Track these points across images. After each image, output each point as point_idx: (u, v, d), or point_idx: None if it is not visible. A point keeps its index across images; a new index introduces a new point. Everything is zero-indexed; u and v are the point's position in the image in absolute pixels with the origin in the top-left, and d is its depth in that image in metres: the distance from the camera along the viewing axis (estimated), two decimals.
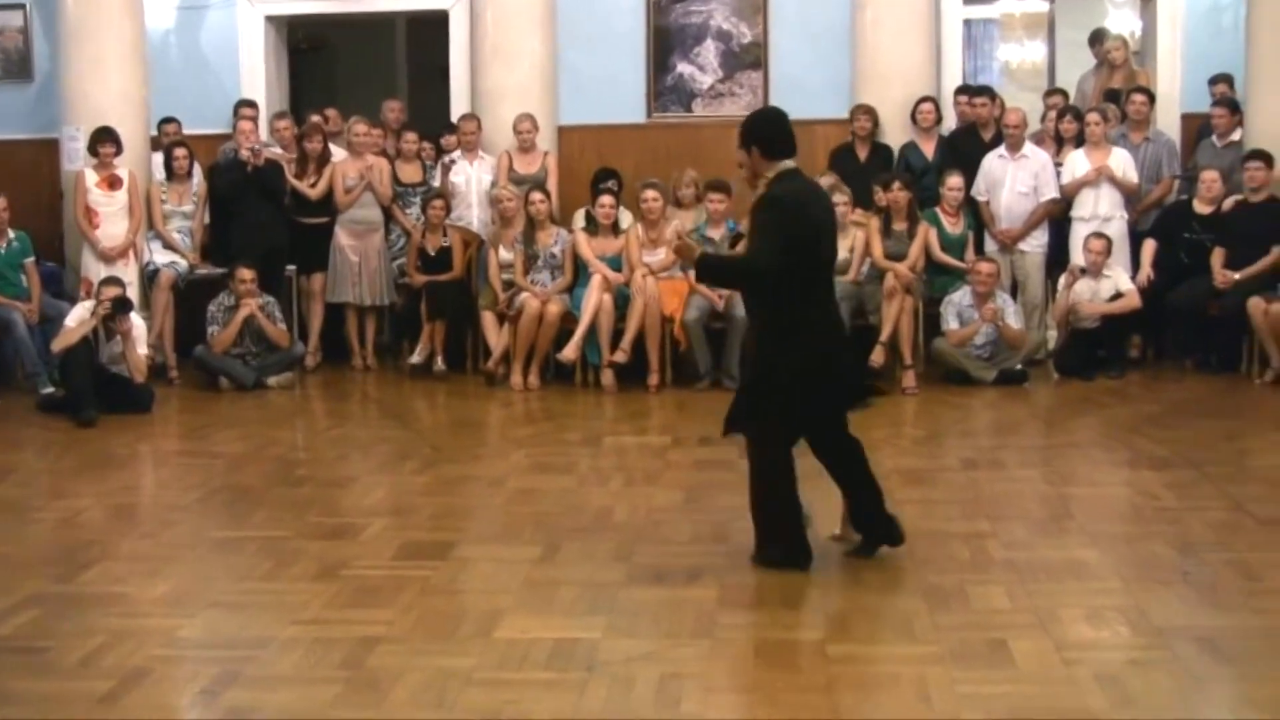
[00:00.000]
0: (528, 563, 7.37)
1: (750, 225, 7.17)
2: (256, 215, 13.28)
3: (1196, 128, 14.22)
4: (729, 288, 7.30)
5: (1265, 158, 12.73)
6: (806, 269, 7.03)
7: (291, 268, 13.58)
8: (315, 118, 14.48)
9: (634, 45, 15.12)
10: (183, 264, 13.43)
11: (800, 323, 7.04)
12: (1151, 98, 13.87)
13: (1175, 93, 14.74)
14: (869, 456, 7.38)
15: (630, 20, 15.10)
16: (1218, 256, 12.73)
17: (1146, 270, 12.98)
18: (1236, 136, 13.48)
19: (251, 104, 14.47)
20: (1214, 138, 13.60)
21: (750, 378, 7.29)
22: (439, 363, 13.14)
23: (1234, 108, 13.53)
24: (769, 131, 7.22)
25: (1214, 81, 14.03)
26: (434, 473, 9.61)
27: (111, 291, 11.87)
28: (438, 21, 15.46)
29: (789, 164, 7.14)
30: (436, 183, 13.96)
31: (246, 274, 12.67)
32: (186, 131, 14.35)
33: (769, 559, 7.16)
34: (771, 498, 7.17)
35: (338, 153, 13.88)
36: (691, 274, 11.57)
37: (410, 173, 14.01)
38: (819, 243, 7.12)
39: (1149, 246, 13.12)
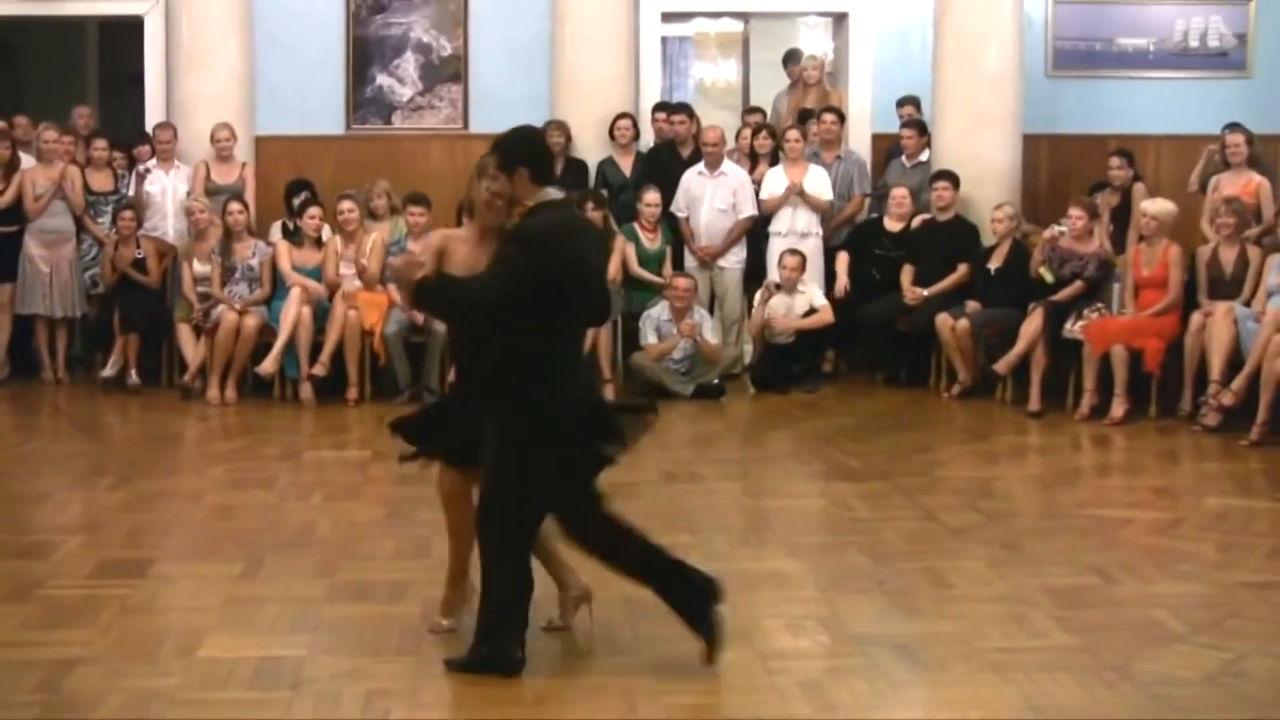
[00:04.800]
0: (229, 580, 7.27)
1: (493, 256, 6.10)
2: None
3: (887, 148, 14.60)
4: (441, 315, 6.66)
5: (951, 178, 13.10)
6: (558, 311, 6.00)
7: None
8: (1, 124, 14.01)
9: (333, 56, 14.97)
10: None
11: (564, 366, 6.08)
12: (843, 117, 14.20)
13: (866, 113, 15.11)
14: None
15: (329, 30, 14.95)
16: (907, 273, 13.07)
17: (843, 280, 13.30)
18: (924, 157, 13.86)
19: None
20: (903, 158, 13.98)
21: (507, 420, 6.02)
22: (133, 376, 12.81)
23: (921, 129, 13.92)
24: (539, 152, 6.40)
25: (901, 103, 14.43)
26: (129, 489, 9.38)
27: None
28: (131, 27, 15.11)
29: (553, 193, 6.26)
30: (130, 191, 13.66)
31: None
32: None
33: (474, 661, 6.02)
34: (506, 581, 6.06)
35: (26, 160, 13.47)
36: (393, 289, 11.36)
37: (101, 181, 13.67)
38: (577, 283, 6.11)
39: (843, 258, 13.43)
